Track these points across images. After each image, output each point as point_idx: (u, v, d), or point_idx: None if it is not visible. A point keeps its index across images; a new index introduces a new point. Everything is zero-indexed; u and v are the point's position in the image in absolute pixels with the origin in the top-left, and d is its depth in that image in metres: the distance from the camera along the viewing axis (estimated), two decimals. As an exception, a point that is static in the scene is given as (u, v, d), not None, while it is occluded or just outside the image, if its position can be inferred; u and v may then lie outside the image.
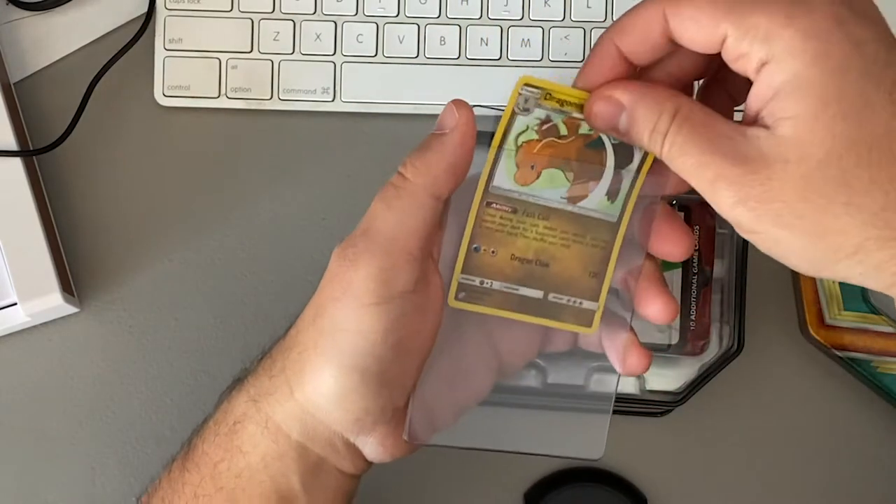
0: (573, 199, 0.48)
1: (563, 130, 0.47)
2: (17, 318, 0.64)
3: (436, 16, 0.67)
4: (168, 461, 0.53)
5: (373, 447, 0.49)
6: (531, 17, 0.67)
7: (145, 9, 0.67)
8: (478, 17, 0.67)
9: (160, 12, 0.67)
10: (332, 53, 0.67)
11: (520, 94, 0.47)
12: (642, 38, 0.45)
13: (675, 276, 0.63)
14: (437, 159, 0.47)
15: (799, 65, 0.40)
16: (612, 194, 0.48)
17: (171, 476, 0.51)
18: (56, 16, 0.68)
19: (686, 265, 0.63)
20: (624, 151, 0.48)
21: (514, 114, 0.47)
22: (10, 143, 0.64)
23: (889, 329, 0.65)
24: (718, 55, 0.43)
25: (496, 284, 0.49)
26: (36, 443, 0.66)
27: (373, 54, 0.67)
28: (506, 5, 0.67)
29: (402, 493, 0.65)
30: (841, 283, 0.65)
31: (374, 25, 0.67)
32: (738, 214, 0.42)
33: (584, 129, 0.47)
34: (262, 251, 0.67)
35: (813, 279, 0.65)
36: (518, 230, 0.49)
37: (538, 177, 0.48)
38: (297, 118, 0.68)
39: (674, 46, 0.45)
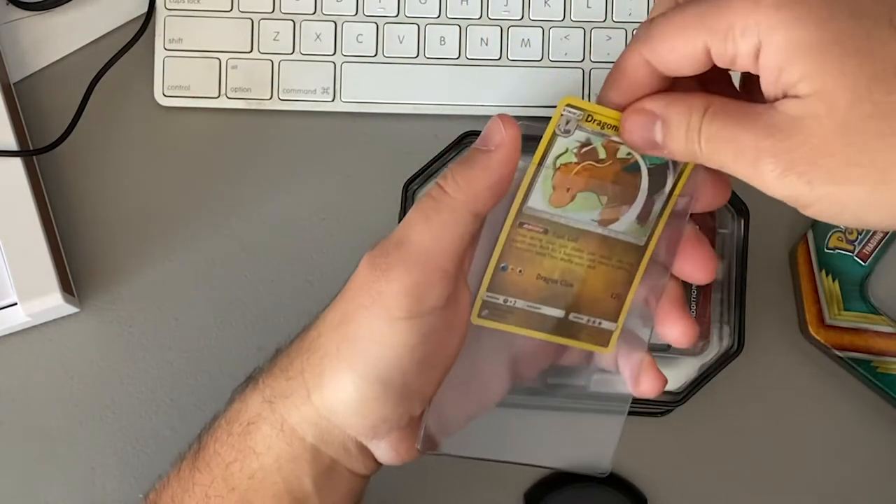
0: (604, 222, 0.48)
1: (602, 154, 0.47)
2: (17, 318, 0.64)
3: (436, 16, 0.67)
4: (176, 459, 0.52)
5: (385, 451, 0.49)
6: (531, 17, 0.67)
7: (145, 9, 0.67)
8: (478, 17, 0.67)
9: (160, 12, 0.67)
10: (332, 53, 0.67)
11: (562, 115, 0.46)
12: (635, 88, 0.45)
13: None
14: (481, 176, 0.46)
15: (784, 34, 0.40)
16: (642, 218, 0.48)
17: (180, 475, 0.51)
18: (56, 16, 0.68)
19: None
20: (658, 175, 0.48)
21: (554, 135, 0.47)
22: (10, 143, 0.64)
23: (889, 329, 0.65)
24: None
25: (519, 303, 0.49)
26: (36, 443, 0.66)
27: (373, 54, 0.67)
28: (506, 5, 0.67)
29: (403, 491, 0.65)
30: (840, 283, 0.65)
31: (374, 25, 0.67)
32: (790, 185, 0.40)
33: (622, 152, 0.47)
34: (262, 251, 0.67)
35: (813, 279, 0.65)
36: (547, 251, 0.48)
37: (572, 199, 0.48)
38: (297, 118, 0.68)
39: (671, 78, 0.45)
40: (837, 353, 0.65)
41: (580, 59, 0.67)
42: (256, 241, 0.67)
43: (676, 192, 0.48)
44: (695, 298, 0.63)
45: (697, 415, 0.66)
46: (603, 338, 0.50)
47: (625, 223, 0.48)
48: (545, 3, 0.67)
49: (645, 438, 0.66)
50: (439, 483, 0.66)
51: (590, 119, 0.46)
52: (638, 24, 0.67)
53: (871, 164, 0.39)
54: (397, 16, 0.67)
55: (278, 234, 0.67)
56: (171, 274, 0.67)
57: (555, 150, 0.47)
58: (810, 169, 0.40)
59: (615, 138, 0.47)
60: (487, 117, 0.67)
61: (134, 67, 0.67)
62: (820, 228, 0.65)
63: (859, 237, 0.65)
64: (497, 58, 0.67)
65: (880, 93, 0.39)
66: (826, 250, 0.65)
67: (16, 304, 0.63)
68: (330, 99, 0.67)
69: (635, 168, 0.48)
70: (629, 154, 0.47)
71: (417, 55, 0.67)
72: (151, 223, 0.67)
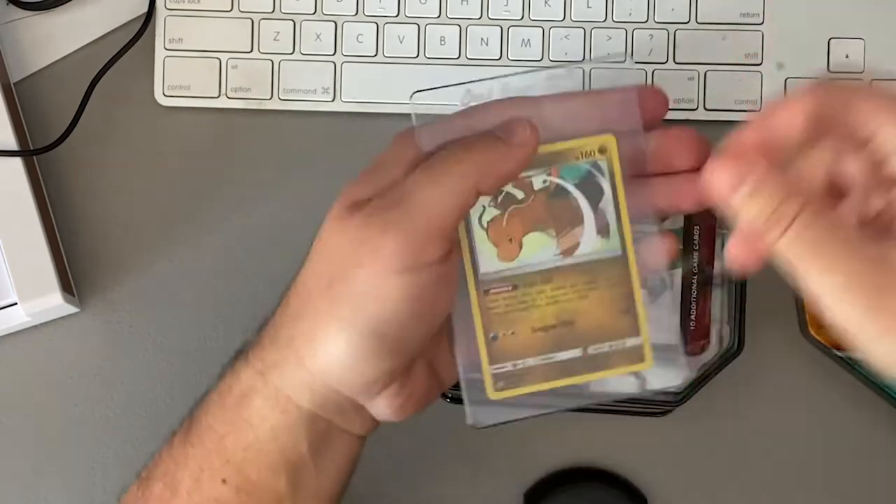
0: (567, 252, 0.48)
1: (520, 195, 0.47)
2: (17, 318, 0.64)
3: (436, 16, 0.67)
4: (167, 435, 0.53)
5: (382, 408, 0.50)
6: (531, 17, 0.67)
7: (145, 9, 0.67)
8: (478, 17, 0.67)
9: (160, 12, 0.67)
10: (332, 53, 0.67)
11: None
12: (775, 131, 0.45)
13: (676, 276, 0.63)
14: (498, 161, 0.47)
15: None
16: (602, 231, 0.48)
17: (172, 451, 0.52)
18: (56, 16, 0.68)
19: (686, 265, 0.63)
20: (590, 185, 0.47)
21: None
22: (10, 143, 0.64)
23: (889, 329, 0.64)
24: None
25: (530, 361, 0.48)
26: (36, 443, 0.66)
27: (373, 54, 0.67)
28: (506, 5, 0.67)
29: (403, 492, 0.65)
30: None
31: (374, 25, 0.67)
32: (886, 345, 0.40)
33: (537, 183, 0.47)
34: (262, 251, 0.67)
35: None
36: (527, 303, 0.48)
37: (521, 247, 0.48)
38: (297, 118, 0.68)
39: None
40: (837, 353, 0.64)
41: (580, 59, 0.67)
42: (256, 240, 0.67)
43: (619, 187, 0.47)
44: (695, 298, 0.63)
45: (697, 415, 0.66)
46: (636, 355, 0.49)
47: (588, 244, 0.48)
48: (545, 3, 0.67)
49: (645, 438, 0.66)
50: (439, 483, 0.66)
51: None
52: (637, 24, 0.67)
53: None
54: (397, 16, 0.67)
55: (278, 233, 0.67)
56: (171, 274, 0.67)
57: (473, 213, 0.47)
58: None
59: (520, 174, 0.47)
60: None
61: (134, 67, 0.67)
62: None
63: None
64: (497, 58, 0.67)
65: None
66: (826, 250, 0.65)
67: (16, 304, 0.63)
68: (330, 99, 0.67)
69: (563, 191, 0.47)
70: (545, 182, 0.47)
71: (417, 55, 0.67)
72: (151, 223, 0.67)
